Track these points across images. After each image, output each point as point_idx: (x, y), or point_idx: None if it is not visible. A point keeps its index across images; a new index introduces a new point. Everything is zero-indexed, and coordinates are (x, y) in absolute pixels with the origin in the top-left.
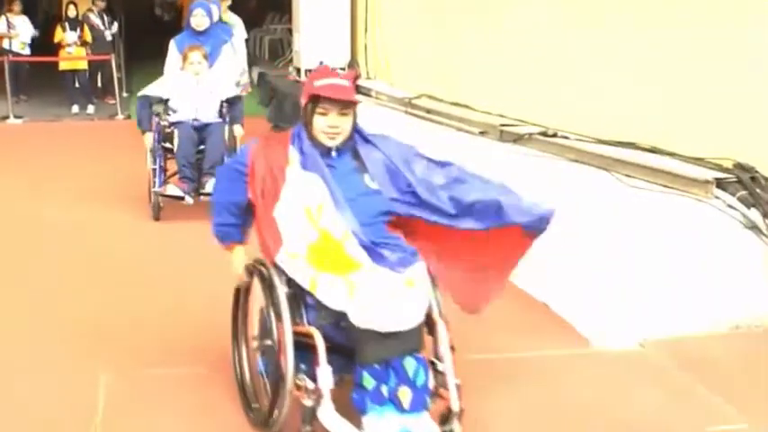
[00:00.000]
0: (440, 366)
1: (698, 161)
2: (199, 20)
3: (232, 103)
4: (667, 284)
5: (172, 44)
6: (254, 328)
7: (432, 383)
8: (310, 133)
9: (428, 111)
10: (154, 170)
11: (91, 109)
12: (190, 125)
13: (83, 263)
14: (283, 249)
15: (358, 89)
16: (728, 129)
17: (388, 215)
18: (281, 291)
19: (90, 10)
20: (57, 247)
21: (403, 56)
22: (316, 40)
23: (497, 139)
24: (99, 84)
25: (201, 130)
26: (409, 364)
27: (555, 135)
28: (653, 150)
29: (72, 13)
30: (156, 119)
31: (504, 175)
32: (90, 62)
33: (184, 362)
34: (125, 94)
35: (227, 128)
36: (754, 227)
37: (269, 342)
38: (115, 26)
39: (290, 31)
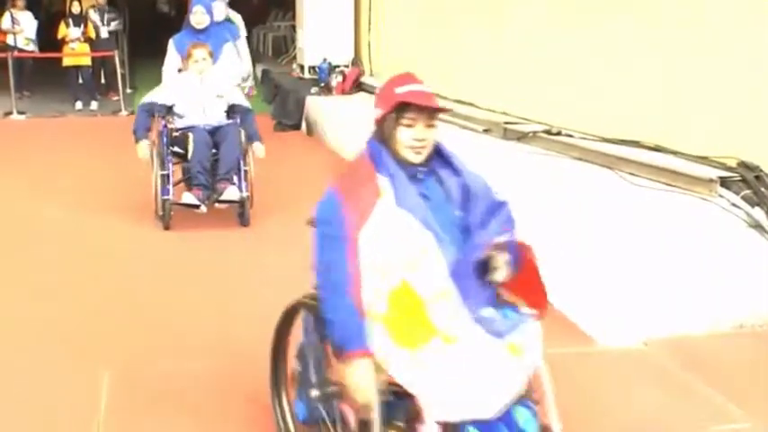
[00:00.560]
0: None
1: (702, 160)
2: (199, 17)
3: (242, 115)
4: (671, 283)
5: (171, 44)
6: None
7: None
8: (393, 149)
9: None
10: (163, 176)
11: (94, 105)
12: (204, 129)
13: (86, 263)
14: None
15: (361, 86)
16: (732, 127)
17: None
18: None
19: (93, 6)
20: (59, 246)
21: (406, 53)
22: (319, 37)
23: (501, 137)
24: (102, 80)
25: (213, 133)
26: (520, 414)
27: (559, 133)
28: (657, 149)
29: (76, 9)
30: (163, 121)
31: (507, 173)
32: (93, 58)
33: (187, 360)
34: (128, 91)
35: (241, 130)
36: (757, 225)
37: (334, 389)
38: (114, 23)
39: (293, 27)
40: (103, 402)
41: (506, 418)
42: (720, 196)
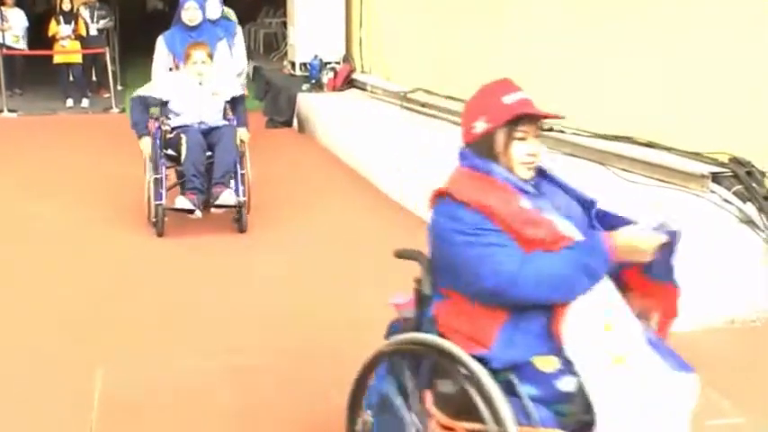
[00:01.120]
0: None
1: (694, 156)
2: (191, 14)
3: (234, 102)
4: None
5: (160, 41)
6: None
7: None
8: (507, 167)
9: (423, 105)
10: (156, 180)
11: (85, 102)
12: (197, 129)
13: (78, 264)
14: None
15: (352, 83)
16: (724, 123)
17: None
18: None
19: (84, 3)
20: (52, 246)
21: (398, 50)
22: (311, 33)
23: None
24: (93, 77)
25: (208, 134)
26: None
27: (551, 129)
28: (649, 145)
29: (66, 6)
30: (156, 123)
31: None
32: (84, 56)
33: (180, 356)
34: (119, 88)
35: (236, 131)
36: (749, 221)
37: None
38: (103, 21)
39: (284, 24)
40: (97, 399)
41: None
42: (712, 192)
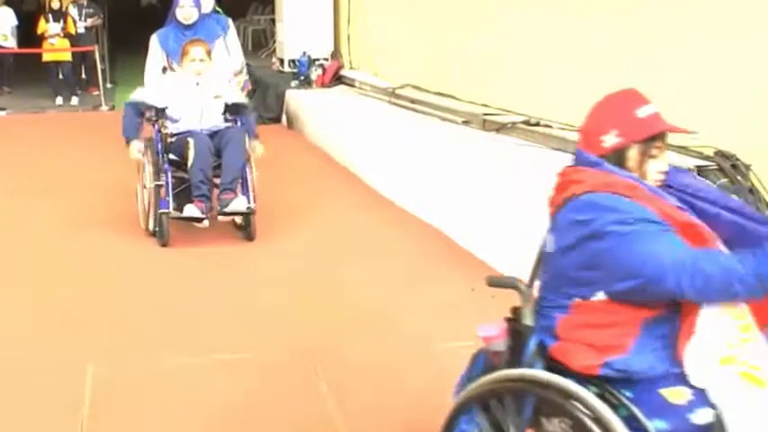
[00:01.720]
0: None
1: (679, 149)
2: (187, 11)
3: (240, 112)
4: None
5: (154, 39)
6: None
7: None
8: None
9: (412, 101)
10: (159, 187)
11: (75, 100)
12: (204, 134)
13: (72, 263)
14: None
15: (341, 79)
16: (709, 117)
17: None
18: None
19: (73, 1)
20: (45, 247)
21: (386, 46)
22: (299, 30)
23: (481, 129)
24: (83, 75)
25: (212, 137)
26: None
27: (538, 124)
28: None
29: (55, 4)
30: (155, 126)
31: (487, 165)
32: (73, 53)
33: (171, 353)
34: (109, 86)
35: (245, 134)
36: None
37: None
38: (90, 19)
39: (273, 21)
40: (88, 394)
41: None
42: None
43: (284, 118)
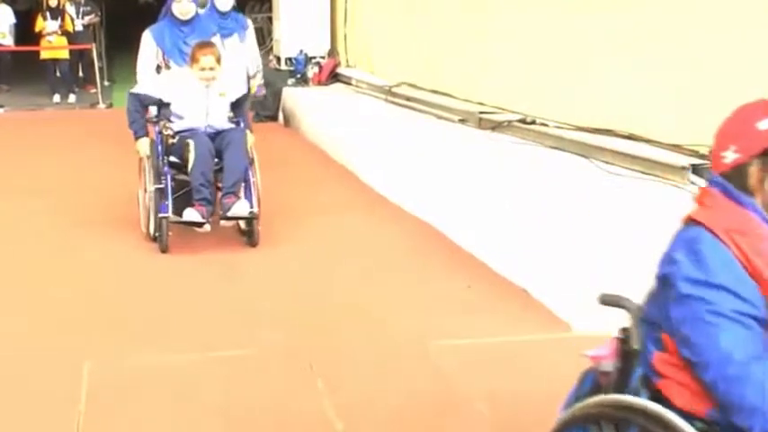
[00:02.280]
0: None
1: (674, 148)
2: (185, 6)
3: (237, 101)
4: (645, 269)
5: (147, 35)
6: None
7: None
8: (764, 203)
9: (408, 99)
10: (159, 191)
11: (72, 98)
12: (205, 134)
13: (70, 262)
14: None
15: (337, 77)
16: (704, 115)
17: None
18: None
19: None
20: (43, 246)
21: (383, 44)
22: (296, 28)
23: (476, 127)
24: (80, 73)
25: (214, 138)
26: None
27: (533, 122)
28: (630, 137)
29: (53, 2)
30: (156, 127)
31: (483, 163)
32: (71, 51)
33: (167, 351)
34: (106, 83)
35: (247, 135)
36: None
37: None
38: (88, 17)
39: (270, 19)
40: (84, 391)
41: None
42: (692, 183)
43: (281, 116)
